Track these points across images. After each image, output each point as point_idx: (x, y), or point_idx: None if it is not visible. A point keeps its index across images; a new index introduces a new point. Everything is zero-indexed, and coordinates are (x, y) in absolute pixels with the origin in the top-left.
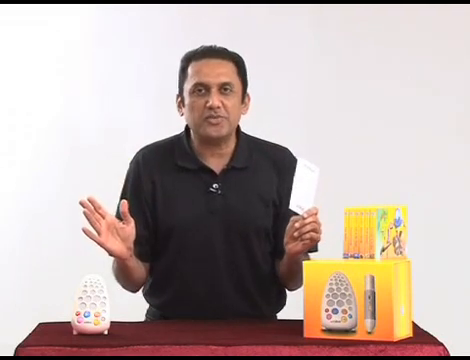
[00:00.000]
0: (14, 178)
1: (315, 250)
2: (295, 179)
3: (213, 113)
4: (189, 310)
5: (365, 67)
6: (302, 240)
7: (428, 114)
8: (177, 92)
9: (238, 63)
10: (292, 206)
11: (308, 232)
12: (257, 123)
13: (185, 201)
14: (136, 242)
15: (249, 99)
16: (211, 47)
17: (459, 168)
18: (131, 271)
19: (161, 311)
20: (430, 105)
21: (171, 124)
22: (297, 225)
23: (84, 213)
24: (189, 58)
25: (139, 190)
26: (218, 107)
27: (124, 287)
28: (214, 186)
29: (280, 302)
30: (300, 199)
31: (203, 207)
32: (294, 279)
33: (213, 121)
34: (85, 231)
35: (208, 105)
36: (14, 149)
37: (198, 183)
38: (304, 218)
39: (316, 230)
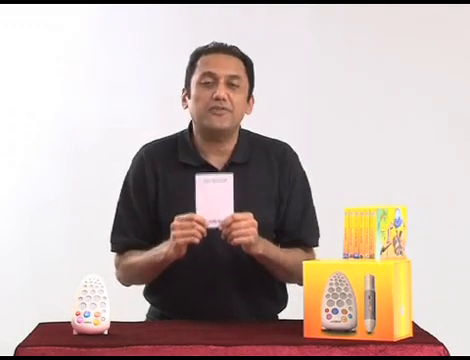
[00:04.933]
0: (14, 178)
1: (314, 245)
2: (196, 198)
3: (218, 104)
4: (189, 309)
5: (365, 67)
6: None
7: (428, 114)
8: (183, 87)
9: (247, 62)
10: None
11: (233, 239)
12: (257, 123)
13: (186, 198)
14: (143, 237)
15: (253, 101)
16: (222, 44)
17: (459, 168)
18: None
19: (161, 309)
20: (431, 104)
21: (172, 124)
22: (222, 237)
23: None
24: (199, 53)
25: (143, 185)
26: (224, 99)
27: (135, 282)
28: None
29: (282, 299)
30: (210, 214)
31: None
32: (276, 273)
33: (217, 112)
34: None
35: (215, 96)
36: (14, 149)
37: None
38: (220, 230)
39: (241, 234)
